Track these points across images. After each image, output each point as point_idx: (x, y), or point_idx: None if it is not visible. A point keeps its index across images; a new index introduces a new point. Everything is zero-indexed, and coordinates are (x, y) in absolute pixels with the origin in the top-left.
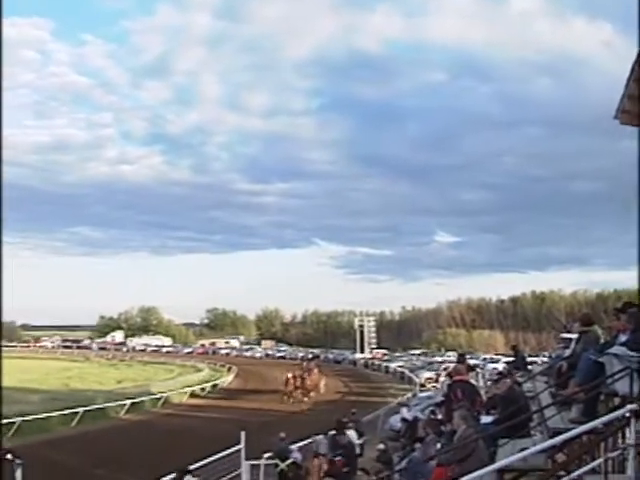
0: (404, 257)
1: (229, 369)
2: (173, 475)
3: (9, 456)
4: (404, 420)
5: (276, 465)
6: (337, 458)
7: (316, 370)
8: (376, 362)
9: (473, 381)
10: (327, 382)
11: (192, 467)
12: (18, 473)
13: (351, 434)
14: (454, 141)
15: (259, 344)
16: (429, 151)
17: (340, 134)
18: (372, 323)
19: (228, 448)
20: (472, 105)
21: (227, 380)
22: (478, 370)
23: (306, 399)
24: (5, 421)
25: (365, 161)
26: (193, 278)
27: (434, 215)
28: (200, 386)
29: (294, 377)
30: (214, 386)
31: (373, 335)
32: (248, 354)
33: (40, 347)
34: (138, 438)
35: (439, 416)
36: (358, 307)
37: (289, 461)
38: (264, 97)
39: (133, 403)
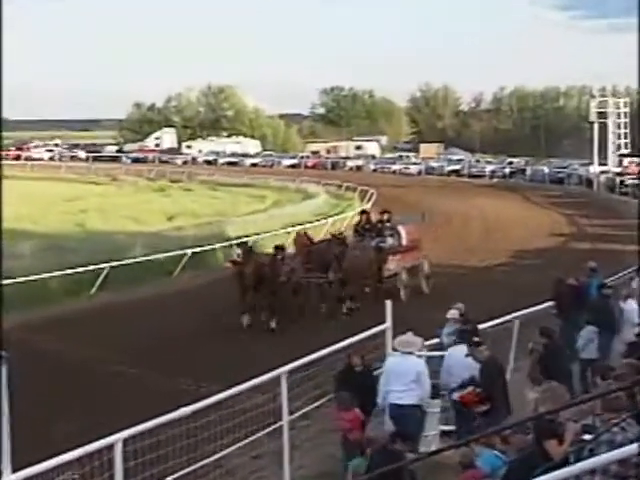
0: None
1: (362, 195)
2: None
3: None
4: None
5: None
6: None
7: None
8: (629, 181)
9: None
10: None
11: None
12: (2, 371)
13: (628, 306)
14: None
15: (415, 150)
16: None
17: None
18: (623, 109)
19: (365, 329)
20: None
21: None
22: None
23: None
24: None
25: None
26: (290, 31)
27: None
28: (312, 224)
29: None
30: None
31: (624, 132)
32: (396, 168)
33: (30, 160)
34: (204, 314)
35: None
36: (596, 81)
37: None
38: None
39: (195, 254)
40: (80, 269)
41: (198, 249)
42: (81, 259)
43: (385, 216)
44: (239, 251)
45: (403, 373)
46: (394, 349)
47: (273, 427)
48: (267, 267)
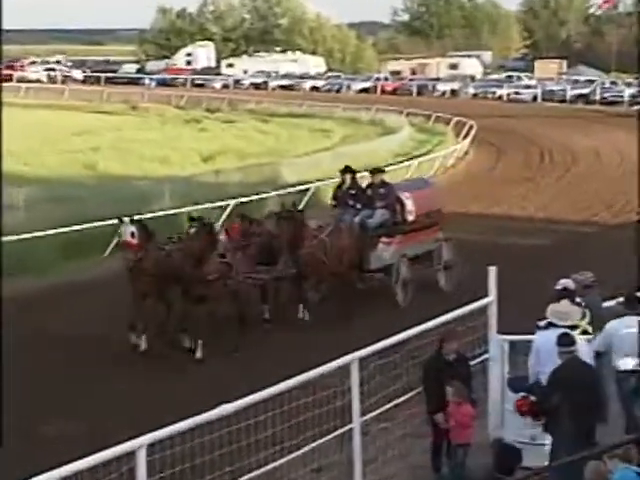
0: None
1: (458, 128)
2: None
3: None
4: None
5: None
6: None
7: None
8: None
9: None
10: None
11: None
12: None
13: None
14: None
15: (529, 69)
16: None
17: None
18: None
19: (460, 306)
20: None
21: (453, 154)
22: None
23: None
24: None
25: None
26: None
27: None
28: (392, 166)
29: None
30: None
31: None
32: (503, 92)
33: (24, 82)
34: None
35: None
36: None
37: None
38: None
39: (240, 205)
40: (90, 225)
41: (244, 199)
42: (91, 211)
43: (378, 178)
44: (132, 228)
45: None
46: (546, 322)
47: (341, 431)
48: (183, 259)
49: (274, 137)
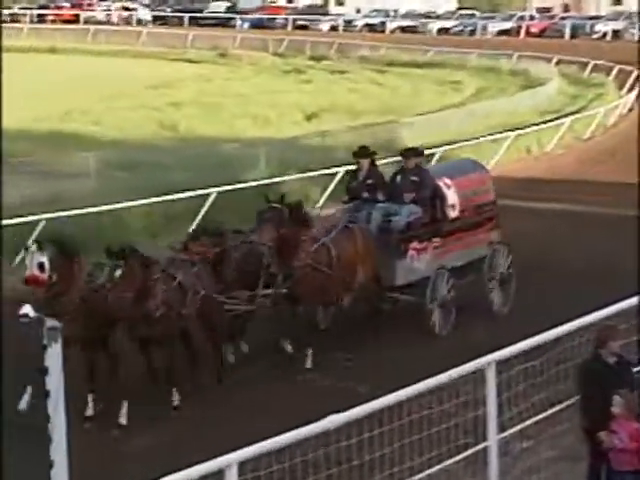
0: None
1: (622, 79)
2: None
3: (27, 311)
4: None
5: None
6: None
7: None
8: None
9: None
10: None
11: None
12: (54, 351)
13: None
14: None
15: None
16: None
17: None
18: None
19: (607, 304)
20: None
21: (615, 110)
22: None
23: None
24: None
25: None
26: None
27: None
28: (537, 127)
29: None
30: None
31: None
32: None
33: (92, 23)
34: None
35: None
36: None
37: None
38: None
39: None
40: (171, 196)
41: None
42: (173, 180)
43: (412, 162)
44: (41, 257)
45: None
46: None
47: (473, 450)
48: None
49: (392, 91)
